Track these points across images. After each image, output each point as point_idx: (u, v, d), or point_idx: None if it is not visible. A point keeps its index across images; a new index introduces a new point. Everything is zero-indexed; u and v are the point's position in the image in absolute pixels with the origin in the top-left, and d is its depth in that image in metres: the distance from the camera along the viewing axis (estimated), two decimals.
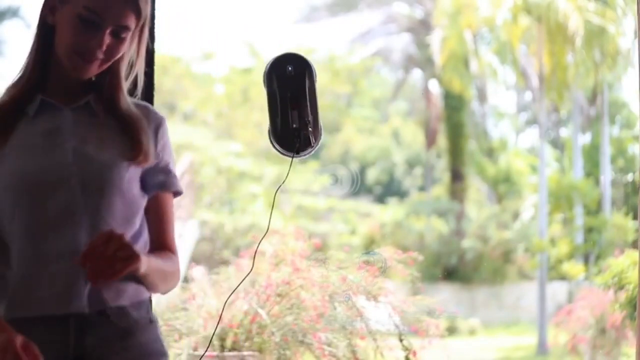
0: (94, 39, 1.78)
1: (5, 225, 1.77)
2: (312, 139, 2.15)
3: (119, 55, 1.83)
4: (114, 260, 1.64)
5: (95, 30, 1.78)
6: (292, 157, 2.14)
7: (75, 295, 1.74)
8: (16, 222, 1.76)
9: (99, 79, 1.87)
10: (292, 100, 2.14)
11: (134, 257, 1.67)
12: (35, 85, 1.84)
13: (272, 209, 2.30)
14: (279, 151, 2.18)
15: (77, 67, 1.81)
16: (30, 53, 1.85)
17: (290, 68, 2.15)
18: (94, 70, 1.82)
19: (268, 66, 2.17)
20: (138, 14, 1.81)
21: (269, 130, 2.17)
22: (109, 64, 1.83)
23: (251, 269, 2.52)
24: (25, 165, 1.77)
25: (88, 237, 1.73)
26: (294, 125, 2.13)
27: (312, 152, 2.19)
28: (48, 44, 1.84)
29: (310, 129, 2.14)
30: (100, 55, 1.80)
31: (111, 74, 1.87)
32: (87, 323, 1.75)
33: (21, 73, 1.86)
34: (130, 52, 1.86)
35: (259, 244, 2.56)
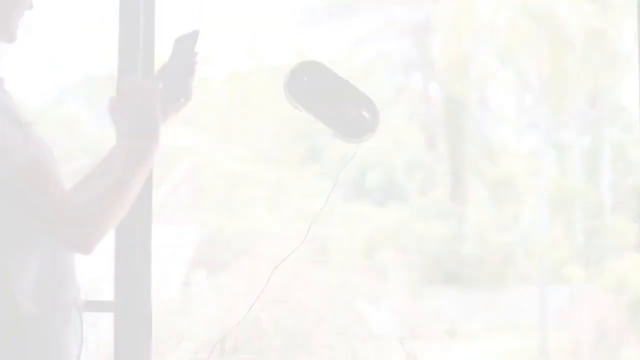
0: None
1: None
2: (372, 108, 2.11)
3: None
4: None
5: None
6: (360, 139, 2.12)
7: None
8: None
9: None
10: (331, 96, 2.11)
11: None
12: None
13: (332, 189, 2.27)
14: (356, 142, 2.14)
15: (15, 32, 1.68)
16: None
17: (305, 78, 2.13)
18: None
19: (286, 91, 2.11)
20: None
21: (336, 136, 2.13)
22: None
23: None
24: None
25: None
26: (353, 113, 2.10)
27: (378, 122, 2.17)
28: None
29: (361, 101, 2.11)
30: None
31: None
32: None
33: None
34: None
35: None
